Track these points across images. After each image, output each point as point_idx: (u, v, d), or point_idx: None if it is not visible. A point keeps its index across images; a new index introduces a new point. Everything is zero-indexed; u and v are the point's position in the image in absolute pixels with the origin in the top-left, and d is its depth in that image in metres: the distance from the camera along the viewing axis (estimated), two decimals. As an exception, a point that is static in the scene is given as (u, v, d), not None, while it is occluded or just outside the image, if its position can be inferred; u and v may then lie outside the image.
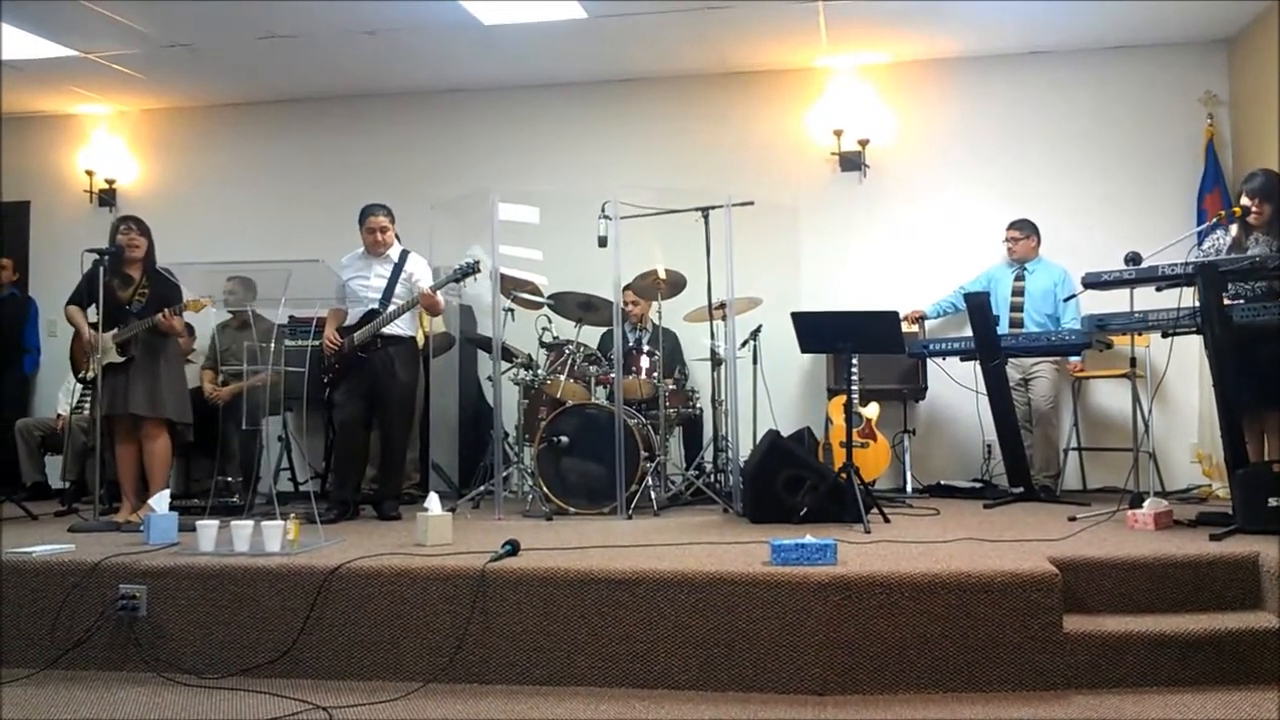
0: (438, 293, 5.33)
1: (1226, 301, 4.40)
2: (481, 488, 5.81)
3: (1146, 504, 4.35)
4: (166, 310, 5.00)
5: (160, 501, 4.38)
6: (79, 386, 5.90)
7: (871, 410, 6.20)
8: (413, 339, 5.48)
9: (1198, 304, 4.37)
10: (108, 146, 7.85)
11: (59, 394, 6.96)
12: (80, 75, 7.07)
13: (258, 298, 5.05)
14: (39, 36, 6.31)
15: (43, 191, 7.95)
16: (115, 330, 5.04)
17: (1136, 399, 5.71)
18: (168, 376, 5.15)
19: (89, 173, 7.82)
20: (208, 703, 3.33)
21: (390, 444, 5.43)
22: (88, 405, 6.03)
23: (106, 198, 7.81)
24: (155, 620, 3.69)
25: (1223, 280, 4.38)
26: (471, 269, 5.26)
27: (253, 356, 5.68)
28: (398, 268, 5.41)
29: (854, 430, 5.17)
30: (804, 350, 5.17)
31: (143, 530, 4.33)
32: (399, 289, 5.37)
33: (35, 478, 6.74)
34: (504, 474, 5.66)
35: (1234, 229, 4.79)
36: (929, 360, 6.21)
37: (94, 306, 5.07)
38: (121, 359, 5.02)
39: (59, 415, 6.79)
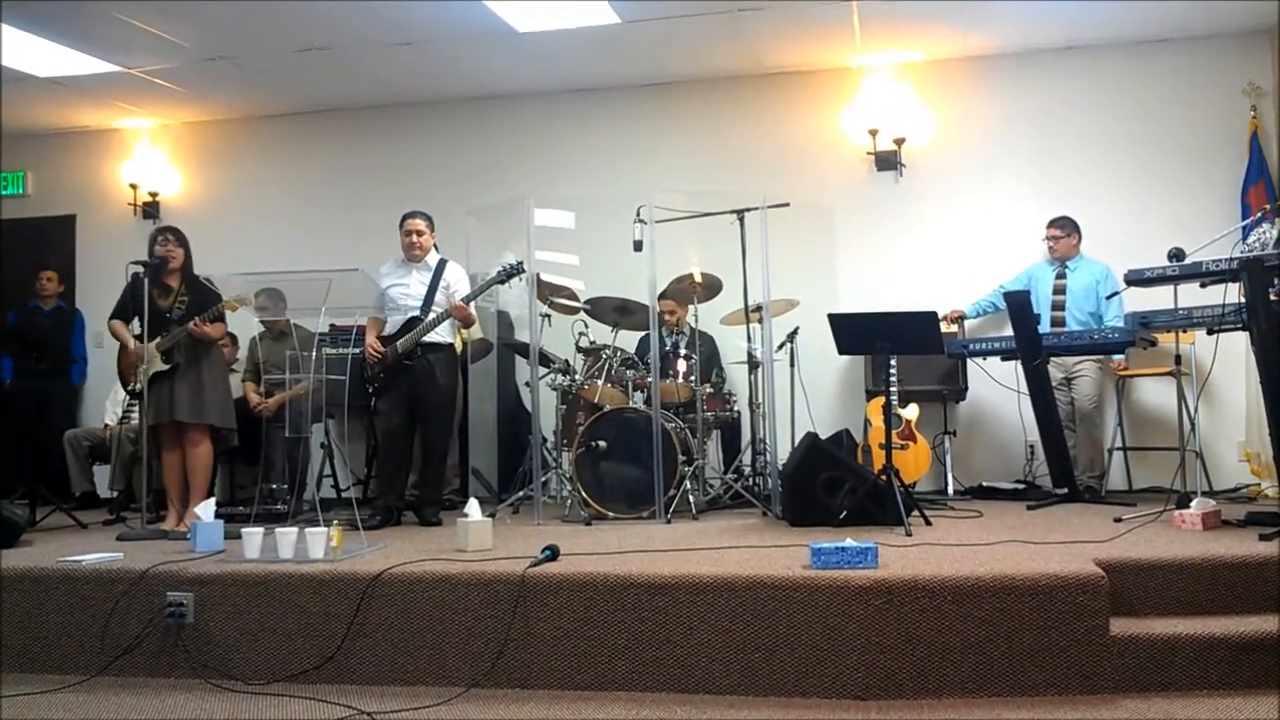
0: (471, 303, 5.37)
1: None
2: (521, 493, 5.84)
3: (1194, 504, 4.29)
4: (197, 319, 5.07)
5: (206, 509, 4.44)
6: (126, 396, 5.99)
7: (911, 411, 6.17)
8: (452, 346, 5.52)
9: (1243, 300, 4.30)
10: (150, 160, 7.97)
11: (106, 404, 7.08)
12: (123, 90, 7.20)
13: (293, 307, 5.09)
14: (82, 53, 6.43)
15: (88, 205, 8.11)
16: (158, 339, 5.12)
17: (1182, 397, 5.61)
18: (211, 382, 5.21)
19: (133, 186, 7.94)
20: (254, 708, 3.37)
21: (431, 450, 5.48)
22: (134, 415, 6.13)
23: (150, 210, 7.92)
24: (202, 627, 3.74)
25: (1269, 275, 4.30)
26: (515, 270, 5.30)
27: (294, 365, 5.75)
28: (436, 275, 5.45)
29: (893, 432, 5.13)
30: (841, 352, 5.14)
31: (189, 538, 4.41)
32: (438, 296, 5.41)
33: (84, 487, 6.84)
34: (543, 479, 5.68)
35: (1279, 223, 4.70)
36: (969, 360, 6.15)
37: (137, 318, 5.16)
38: (167, 367, 5.09)
39: (106, 425, 6.90)
